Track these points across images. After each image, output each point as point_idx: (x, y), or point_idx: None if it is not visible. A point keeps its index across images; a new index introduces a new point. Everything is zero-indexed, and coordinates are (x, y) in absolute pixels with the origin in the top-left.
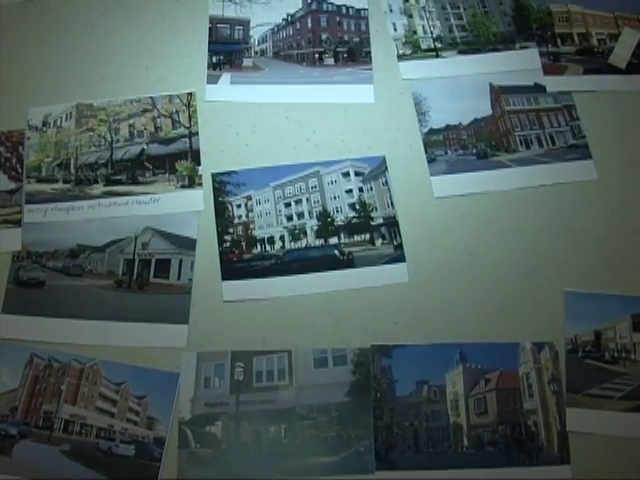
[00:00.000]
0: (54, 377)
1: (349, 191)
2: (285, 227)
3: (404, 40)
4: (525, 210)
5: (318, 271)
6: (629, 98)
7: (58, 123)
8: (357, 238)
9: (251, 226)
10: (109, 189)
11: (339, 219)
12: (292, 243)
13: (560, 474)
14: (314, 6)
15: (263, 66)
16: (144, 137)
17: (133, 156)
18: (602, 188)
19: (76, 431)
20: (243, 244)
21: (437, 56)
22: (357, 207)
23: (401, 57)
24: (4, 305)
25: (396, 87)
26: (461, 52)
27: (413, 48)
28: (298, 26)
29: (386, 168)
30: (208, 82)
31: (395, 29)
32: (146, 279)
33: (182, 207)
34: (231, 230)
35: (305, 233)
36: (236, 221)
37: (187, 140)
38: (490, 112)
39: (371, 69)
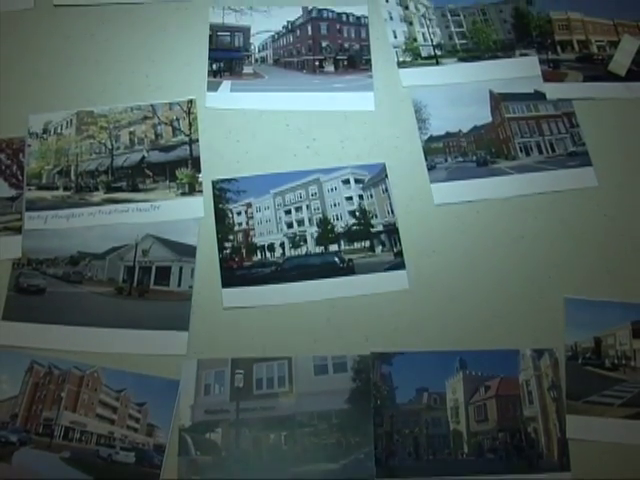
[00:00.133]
0: (54, 384)
1: (349, 198)
2: (285, 234)
3: (404, 47)
4: (525, 217)
5: (318, 278)
6: (629, 105)
7: (59, 130)
8: (357, 245)
9: (251, 233)
10: (109, 196)
11: (339, 226)
12: (292, 250)
13: None
14: (314, 14)
15: (263, 73)
16: (144, 144)
17: (133, 163)
18: (602, 195)
19: (76, 438)
20: (243, 251)
21: (437, 63)
22: (357, 214)
23: (401, 64)
24: (4, 312)
25: (396, 94)
26: (461, 59)
27: (413, 55)
28: (298, 33)
29: (386, 175)
30: (208, 89)
31: (395, 36)
32: (146, 286)
33: (182, 214)
34: (231, 237)
35: (305, 240)
36: (236, 228)
37: (187, 147)
38: (490, 119)
39: (371, 76)
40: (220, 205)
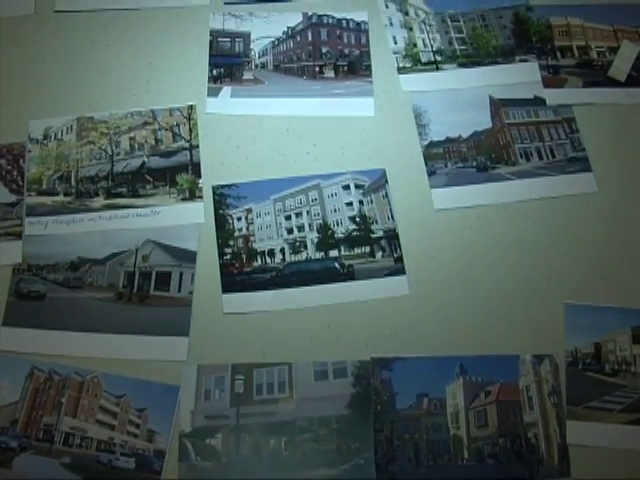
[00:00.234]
0: (54, 390)
1: (349, 204)
2: (285, 240)
3: (404, 53)
4: (525, 222)
5: (318, 284)
6: (629, 111)
7: (59, 136)
8: (357, 251)
9: (251, 239)
10: (110, 202)
11: (339, 232)
12: (292, 256)
13: None
14: (314, 19)
15: (263, 79)
16: (145, 150)
17: (134, 169)
18: (602, 201)
19: (76, 444)
20: (243, 257)
21: (437, 69)
22: (357, 220)
23: (401, 70)
24: (5, 318)
25: (396, 100)
26: (461, 65)
27: (413, 61)
28: (298, 39)
29: (386, 181)
30: (209, 95)
31: (395, 42)
32: (147, 292)
33: (183, 220)
34: (231, 243)
35: (305, 246)
36: (236, 234)
37: (188, 153)
38: (490, 125)
39: (371, 82)
40: (220, 211)
